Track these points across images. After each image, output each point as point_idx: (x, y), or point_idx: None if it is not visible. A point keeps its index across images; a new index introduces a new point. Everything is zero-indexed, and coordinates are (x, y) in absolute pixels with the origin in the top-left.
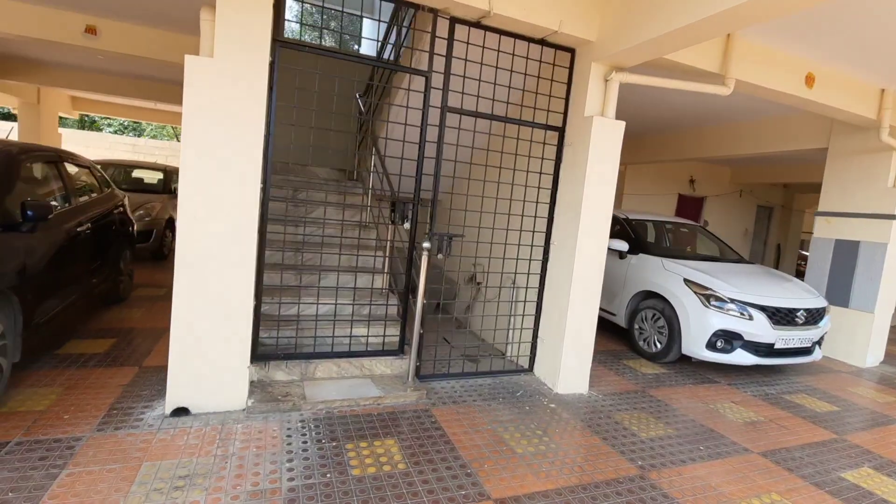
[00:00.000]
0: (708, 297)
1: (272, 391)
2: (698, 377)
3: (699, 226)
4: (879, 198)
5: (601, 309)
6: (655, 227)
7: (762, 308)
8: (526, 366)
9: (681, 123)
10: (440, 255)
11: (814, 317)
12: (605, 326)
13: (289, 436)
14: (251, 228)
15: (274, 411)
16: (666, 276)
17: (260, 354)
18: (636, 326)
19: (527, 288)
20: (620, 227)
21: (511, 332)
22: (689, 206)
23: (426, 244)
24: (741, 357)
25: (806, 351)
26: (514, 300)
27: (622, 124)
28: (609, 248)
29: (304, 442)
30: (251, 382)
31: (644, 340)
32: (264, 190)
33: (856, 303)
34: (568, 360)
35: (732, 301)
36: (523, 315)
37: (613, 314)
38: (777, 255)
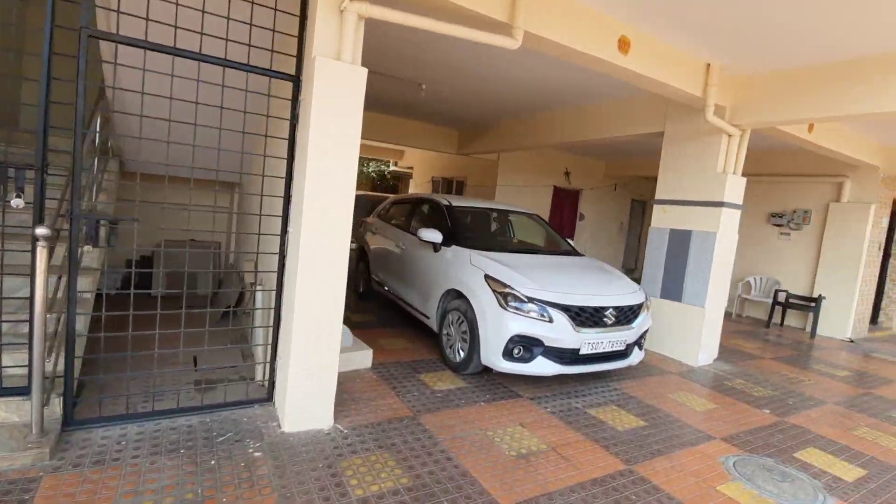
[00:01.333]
0: (506, 295)
1: None
2: (499, 391)
3: (534, 214)
4: (710, 184)
5: (418, 311)
6: (480, 215)
7: (564, 308)
8: (267, 394)
9: (535, 107)
10: (88, 247)
11: (626, 316)
12: (429, 332)
13: None
14: None
15: None
16: (471, 271)
17: None
18: (444, 332)
19: (256, 289)
20: (440, 215)
21: (260, 348)
22: (566, 198)
23: (41, 230)
24: (542, 366)
25: (620, 355)
26: (262, 307)
27: (362, 72)
28: (422, 240)
29: None
30: None
31: (451, 348)
32: None
33: (688, 297)
34: (297, 385)
35: (531, 300)
36: (258, 327)
37: (428, 317)
38: None
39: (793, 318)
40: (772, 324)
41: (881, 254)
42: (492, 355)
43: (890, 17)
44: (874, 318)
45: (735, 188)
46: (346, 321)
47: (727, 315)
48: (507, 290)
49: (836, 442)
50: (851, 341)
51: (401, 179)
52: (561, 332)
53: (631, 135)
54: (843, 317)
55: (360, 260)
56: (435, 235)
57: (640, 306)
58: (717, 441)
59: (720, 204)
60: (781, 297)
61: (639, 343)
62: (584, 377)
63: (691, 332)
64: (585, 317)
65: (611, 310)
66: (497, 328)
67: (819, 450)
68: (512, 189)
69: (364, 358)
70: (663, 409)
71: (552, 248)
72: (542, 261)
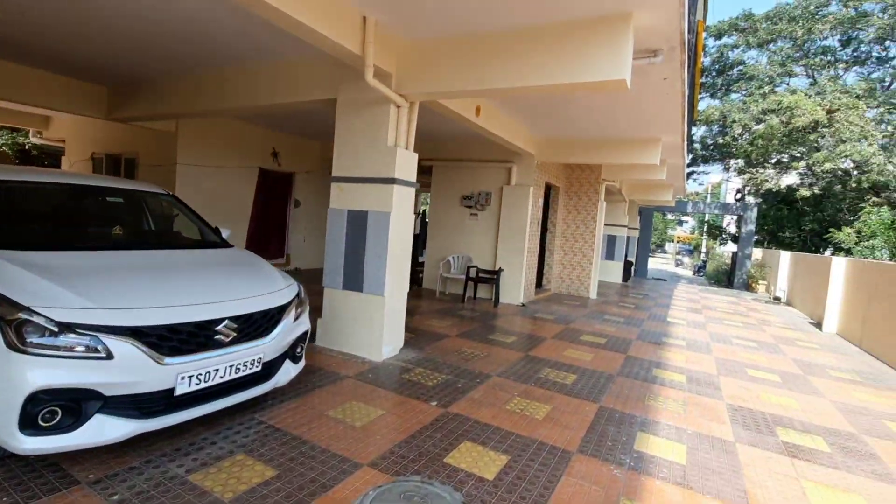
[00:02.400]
0: (20, 326)
1: None
2: (37, 482)
3: (164, 193)
4: (382, 159)
5: None
6: (54, 194)
7: (136, 332)
8: None
9: (199, 61)
10: None
11: (259, 325)
12: None
13: None
14: None
15: None
16: None
17: None
18: None
19: None
20: None
21: None
22: (276, 182)
23: None
24: (101, 431)
25: (257, 378)
26: None
27: None
28: None
29: None
30: None
31: None
32: None
33: (368, 286)
34: None
35: (72, 328)
36: None
37: None
38: None
39: (483, 291)
40: (467, 298)
41: (539, 228)
42: (1, 430)
43: None
44: (539, 283)
45: (406, 163)
46: None
47: (433, 294)
48: (23, 315)
49: (489, 425)
50: (523, 305)
51: (59, 157)
52: (131, 372)
53: (305, 101)
54: (516, 284)
55: None
56: None
57: (284, 308)
58: (363, 470)
59: (392, 181)
60: (473, 273)
61: (292, 355)
62: (217, 415)
63: (373, 325)
64: (181, 339)
65: (227, 322)
66: (3, 384)
67: (471, 442)
68: (202, 170)
69: None
70: (311, 440)
71: (179, 242)
72: (143, 260)
